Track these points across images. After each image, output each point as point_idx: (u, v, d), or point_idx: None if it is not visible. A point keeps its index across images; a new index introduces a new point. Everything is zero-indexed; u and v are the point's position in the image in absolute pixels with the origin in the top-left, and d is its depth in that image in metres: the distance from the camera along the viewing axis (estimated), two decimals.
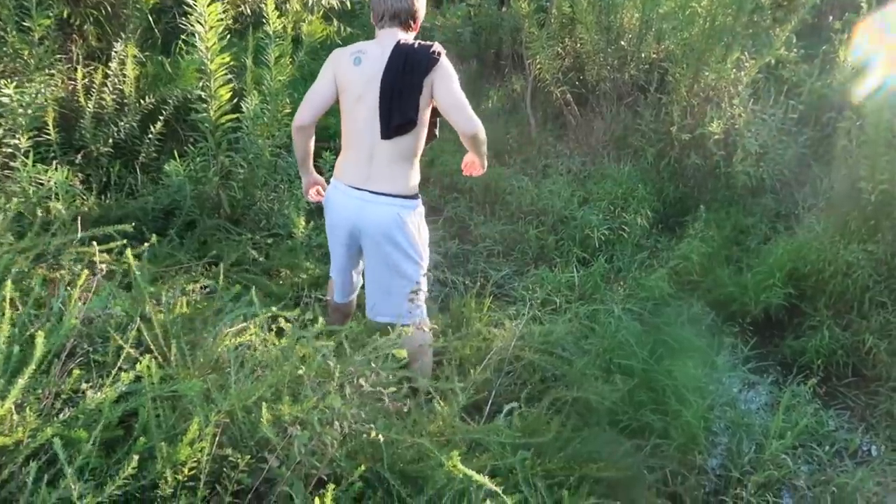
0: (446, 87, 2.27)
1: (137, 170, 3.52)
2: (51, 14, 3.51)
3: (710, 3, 4.74)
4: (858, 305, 3.65)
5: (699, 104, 4.88)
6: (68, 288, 1.51)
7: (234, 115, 3.16)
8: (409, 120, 2.30)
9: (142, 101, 3.54)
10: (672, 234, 4.64)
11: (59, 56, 3.90)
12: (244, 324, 1.81)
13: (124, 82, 3.77)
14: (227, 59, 3.10)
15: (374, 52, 2.33)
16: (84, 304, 1.50)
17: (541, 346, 2.61)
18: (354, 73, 2.33)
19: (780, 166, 4.61)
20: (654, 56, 5.44)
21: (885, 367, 3.41)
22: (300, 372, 1.42)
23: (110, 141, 3.51)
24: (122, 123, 3.51)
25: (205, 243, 3.11)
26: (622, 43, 5.64)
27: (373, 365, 1.47)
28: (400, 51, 2.28)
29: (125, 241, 2.08)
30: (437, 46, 2.31)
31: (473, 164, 2.63)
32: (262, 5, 3.39)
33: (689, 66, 4.91)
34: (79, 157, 3.43)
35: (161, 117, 3.50)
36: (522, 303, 3.60)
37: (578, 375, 2.57)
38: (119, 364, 1.35)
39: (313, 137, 2.50)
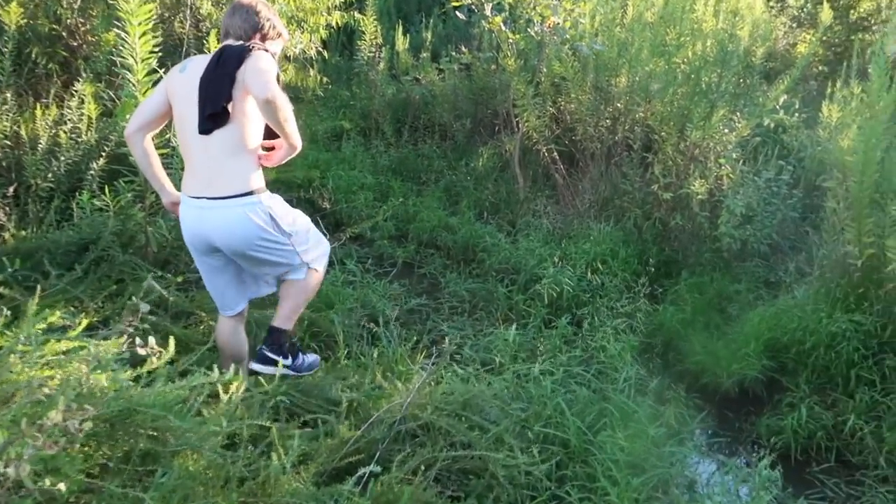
0: (252, 65, 2.19)
1: (74, 205, 3.40)
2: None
3: (693, 61, 4.56)
4: (844, 382, 3.27)
5: (684, 163, 4.63)
6: None
7: (164, 151, 3.03)
8: (220, 108, 2.22)
9: (84, 137, 3.46)
10: (652, 299, 4.32)
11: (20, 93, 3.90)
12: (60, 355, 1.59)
13: (81, 120, 3.72)
14: None
15: (200, 59, 2.36)
16: None
17: (452, 407, 2.31)
18: (180, 80, 2.34)
19: (769, 230, 4.29)
20: (643, 116, 5.24)
21: (871, 454, 3.00)
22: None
23: (49, 175, 3.41)
24: (63, 159, 3.41)
25: (121, 282, 2.93)
26: (618, 104, 5.48)
27: (50, 390, 1.23)
28: (220, 51, 2.30)
29: None
30: (255, 44, 2.29)
31: (270, 154, 2.42)
32: (206, 40, 3.32)
33: (675, 125, 4.70)
34: (10, 189, 3.33)
35: (103, 154, 3.40)
36: (466, 362, 3.32)
37: (489, 444, 2.26)
38: None
39: (152, 153, 2.47)
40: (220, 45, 2.38)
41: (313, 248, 2.49)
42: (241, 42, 2.33)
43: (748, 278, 4.26)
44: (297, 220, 2.46)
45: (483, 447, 2.16)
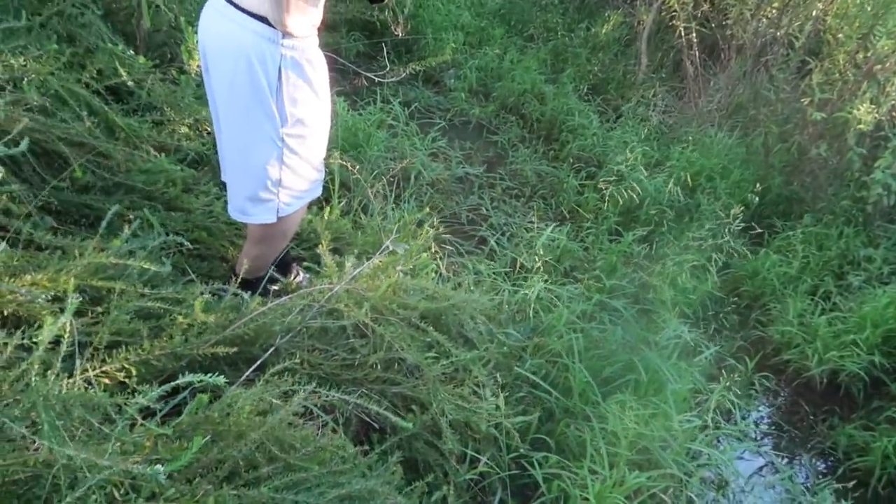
0: None
1: None
2: None
3: None
4: None
5: (855, 80, 3.51)
6: None
7: None
8: None
9: None
10: (754, 240, 3.43)
11: None
12: None
13: None
14: None
15: None
16: None
17: (409, 313, 1.67)
18: None
19: None
20: (821, 9, 4.03)
21: None
22: None
23: None
24: None
25: (72, 40, 2.35)
26: None
27: None
28: None
29: None
30: None
31: None
32: None
33: (860, 27, 3.53)
34: None
35: None
36: (491, 258, 2.67)
37: (444, 372, 1.63)
38: None
39: None
40: None
41: (298, 178, 1.70)
42: None
43: (890, 245, 3.27)
44: (309, 119, 1.65)
45: (431, 374, 1.54)
